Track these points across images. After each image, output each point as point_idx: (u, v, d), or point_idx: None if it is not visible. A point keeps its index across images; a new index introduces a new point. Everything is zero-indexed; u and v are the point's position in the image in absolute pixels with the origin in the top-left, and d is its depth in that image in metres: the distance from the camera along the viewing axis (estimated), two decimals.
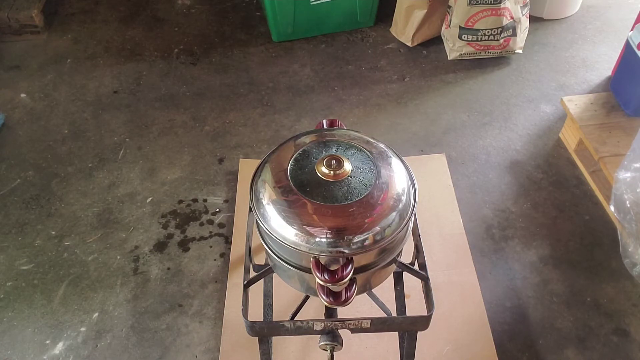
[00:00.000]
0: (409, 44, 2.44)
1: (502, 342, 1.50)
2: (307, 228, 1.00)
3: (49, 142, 2.07)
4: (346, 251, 0.99)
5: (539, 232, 1.75)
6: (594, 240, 1.73)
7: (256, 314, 1.32)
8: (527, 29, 2.37)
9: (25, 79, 2.34)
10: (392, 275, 1.31)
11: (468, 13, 2.24)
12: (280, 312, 1.47)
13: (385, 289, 1.31)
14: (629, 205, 1.56)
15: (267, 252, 1.13)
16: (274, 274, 1.22)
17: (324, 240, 0.99)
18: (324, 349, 1.14)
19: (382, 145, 1.16)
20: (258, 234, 1.14)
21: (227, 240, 1.75)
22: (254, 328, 1.12)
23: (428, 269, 1.19)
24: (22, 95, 2.27)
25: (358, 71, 2.36)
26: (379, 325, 1.12)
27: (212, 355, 1.48)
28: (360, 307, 1.49)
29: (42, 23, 2.52)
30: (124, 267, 1.68)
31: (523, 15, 2.29)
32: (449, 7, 2.33)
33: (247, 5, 2.73)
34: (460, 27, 2.28)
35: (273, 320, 1.32)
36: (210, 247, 1.74)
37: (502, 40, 2.30)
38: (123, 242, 1.75)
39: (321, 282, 0.98)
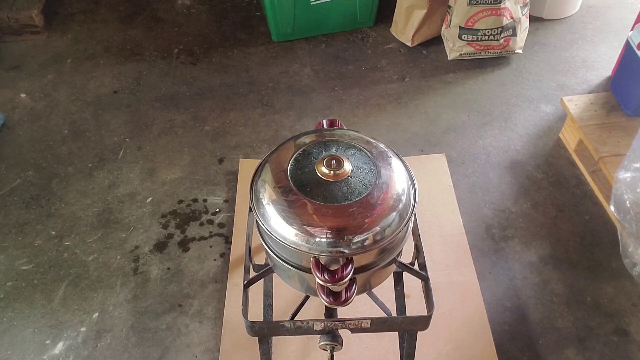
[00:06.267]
0: (409, 44, 2.44)
1: (502, 342, 1.50)
2: (307, 228, 1.00)
3: (49, 142, 2.07)
4: (346, 251, 1.00)
5: (539, 232, 1.76)
6: (594, 240, 1.73)
7: (256, 314, 1.32)
8: (527, 29, 2.37)
9: (25, 79, 2.34)
10: (392, 275, 1.31)
11: (468, 13, 2.24)
12: (280, 312, 1.47)
13: (385, 289, 1.31)
14: (629, 205, 1.56)
15: (267, 252, 1.13)
16: (274, 274, 1.22)
17: (324, 240, 0.99)
18: (324, 349, 1.14)
19: (382, 145, 1.16)
20: (258, 234, 1.14)
21: (227, 240, 1.75)
22: (254, 328, 1.12)
23: (428, 269, 1.19)
24: (22, 95, 2.27)
25: (358, 71, 2.36)
26: (379, 325, 1.12)
27: (212, 355, 1.48)
28: (360, 307, 1.49)
29: (42, 23, 2.52)
30: (124, 267, 1.68)
31: (523, 15, 2.29)
32: (449, 7, 2.33)
33: (247, 5, 2.73)
34: (460, 27, 2.28)
35: (273, 320, 1.32)
36: (210, 247, 1.74)
37: (502, 40, 2.30)
38: (123, 242, 1.75)
39: (321, 282, 0.98)
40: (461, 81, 2.30)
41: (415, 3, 2.35)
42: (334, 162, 1.06)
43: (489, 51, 2.34)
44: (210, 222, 1.81)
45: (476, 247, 1.71)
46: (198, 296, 1.61)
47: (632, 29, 1.89)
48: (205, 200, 1.87)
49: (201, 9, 2.71)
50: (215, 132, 2.11)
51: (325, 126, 1.29)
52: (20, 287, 1.64)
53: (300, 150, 1.12)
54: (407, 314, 1.33)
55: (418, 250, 1.24)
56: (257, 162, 1.16)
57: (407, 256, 1.25)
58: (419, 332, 1.19)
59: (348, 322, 1.10)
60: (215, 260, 1.70)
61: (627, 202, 1.56)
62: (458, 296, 1.58)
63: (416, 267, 1.25)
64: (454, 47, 2.35)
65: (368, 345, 1.49)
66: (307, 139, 1.16)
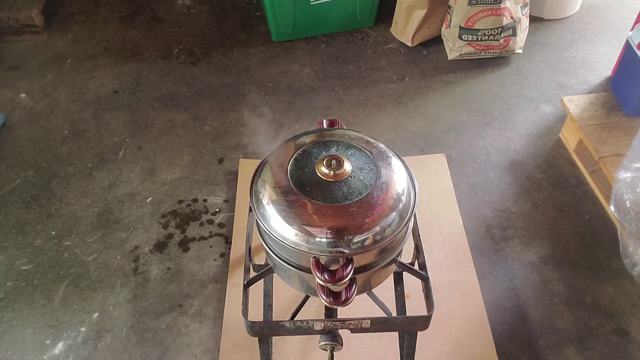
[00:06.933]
0: (409, 44, 2.44)
1: (502, 342, 1.50)
2: (307, 228, 1.00)
3: (49, 142, 2.07)
4: (346, 251, 1.00)
5: (539, 232, 1.75)
6: (594, 240, 1.73)
7: (256, 314, 1.32)
8: (527, 29, 2.37)
9: (25, 79, 2.34)
10: (392, 275, 1.31)
11: (468, 13, 2.24)
12: (280, 312, 1.47)
13: (385, 289, 1.31)
14: (629, 205, 1.56)
15: (267, 252, 1.13)
16: (274, 274, 1.22)
17: (324, 240, 0.99)
18: (324, 349, 1.14)
19: (382, 145, 1.16)
20: (258, 234, 1.14)
21: (227, 240, 1.75)
22: (254, 328, 1.12)
23: (428, 269, 1.19)
24: (22, 95, 2.27)
25: (358, 71, 2.36)
26: (379, 325, 1.12)
27: (212, 355, 1.48)
28: (360, 307, 1.49)
29: (42, 23, 2.52)
30: (124, 267, 1.68)
31: (523, 15, 2.29)
32: (449, 7, 2.33)
33: (247, 5, 2.73)
34: (460, 27, 2.28)
35: (273, 320, 1.32)
36: (210, 247, 1.74)
37: (502, 40, 2.30)
38: (123, 242, 1.75)
39: (321, 282, 0.98)
40: (461, 81, 2.30)
41: (415, 3, 2.35)
42: (334, 162, 1.06)
43: (489, 51, 2.34)
44: (210, 222, 1.81)
45: (476, 247, 1.71)
46: (198, 296, 1.61)
47: (632, 29, 1.89)
48: (205, 200, 1.87)
49: (201, 9, 2.71)
50: (215, 132, 2.11)
51: (325, 126, 1.29)
52: (20, 287, 1.64)
53: (300, 150, 1.12)
54: (407, 314, 1.33)
55: (418, 250, 1.24)
56: (257, 162, 1.16)
57: (407, 256, 1.25)
58: (419, 332, 1.19)
59: (348, 322, 1.10)
60: (215, 260, 1.70)
61: (627, 202, 1.56)
62: (458, 296, 1.58)
63: (416, 267, 1.25)
64: (454, 47, 2.35)
65: (368, 345, 1.49)
66: (307, 139, 1.16)
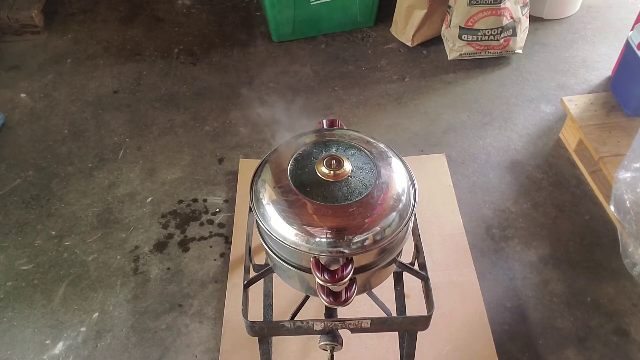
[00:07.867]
0: (409, 44, 2.44)
1: (502, 342, 1.50)
2: (307, 228, 1.00)
3: (49, 142, 2.07)
4: (346, 251, 1.00)
5: (539, 232, 1.75)
6: (594, 240, 1.73)
7: (256, 314, 1.32)
8: (527, 29, 2.37)
9: (25, 79, 2.34)
10: (392, 275, 1.31)
11: (468, 13, 2.24)
12: (280, 312, 1.47)
13: (385, 289, 1.31)
14: (629, 205, 1.56)
15: (267, 252, 1.13)
16: (274, 274, 1.22)
17: (324, 240, 0.99)
18: (324, 349, 1.14)
19: (382, 145, 1.16)
20: (258, 234, 1.14)
21: (227, 240, 1.75)
22: (254, 328, 1.12)
23: (428, 269, 1.19)
24: (22, 95, 2.27)
25: (358, 71, 2.36)
26: (379, 325, 1.12)
27: (212, 355, 1.48)
28: (360, 307, 1.49)
29: (42, 23, 2.52)
30: (124, 267, 1.68)
31: (523, 15, 2.29)
32: (449, 7, 2.33)
33: (247, 5, 2.73)
34: (460, 27, 2.28)
35: (273, 320, 1.32)
36: (210, 247, 1.74)
37: (502, 40, 2.30)
38: (123, 242, 1.75)
39: (321, 282, 0.98)
40: (461, 81, 2.30)
41: (415, 3, 2.35)
42: (334, 162, 1.06)
43: (489, 51, 2.34)
44: (210, 222, 1.81)
45: (476, 247, 1.71)
46: (198, 296, 1.61)
47: (632, 29, 1.89)
48: (205, 200, 1.87)
49: (201, 9, 2.71)
50: (215, 132, 2.11)
51: (325, 126, 1.29)
52: (20, 287, 1.64)
53: (300, 150, 1.12)
54: (407, 314, 1.33)
55: (418, 250, 1.24)
56: (257, 162, 1.16)
57: (407, 256, 1.25)
58: (419, 332, 1.19)
59: (348, 322, 1.10)
60: (215, 260, 1.70)
61: (627, 202, 1.56)
62: (458, 296, 1.58)
63: (416, 267, 1.25)
64: (454, 47, 2.35)
65: (368, 345, 1.49)
66: (307, 139, 1.16)
